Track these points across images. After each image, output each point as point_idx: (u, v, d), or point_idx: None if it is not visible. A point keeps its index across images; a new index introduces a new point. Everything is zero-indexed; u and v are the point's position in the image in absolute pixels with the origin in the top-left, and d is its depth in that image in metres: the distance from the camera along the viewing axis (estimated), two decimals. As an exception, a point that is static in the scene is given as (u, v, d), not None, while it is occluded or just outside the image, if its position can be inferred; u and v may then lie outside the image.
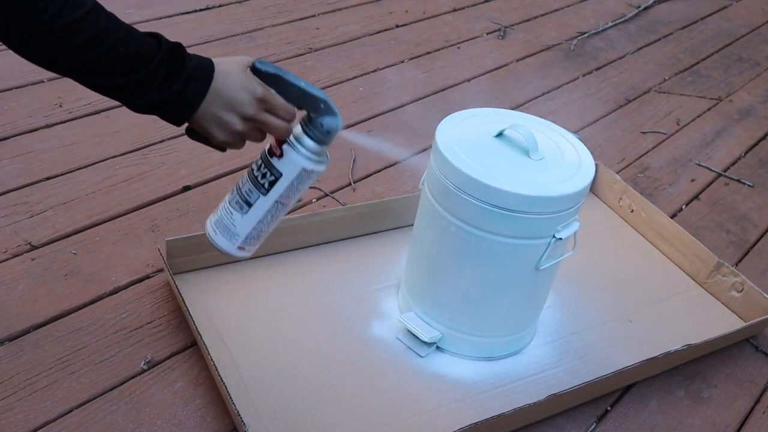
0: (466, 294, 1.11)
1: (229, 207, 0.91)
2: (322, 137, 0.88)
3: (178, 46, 0.82)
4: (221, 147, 0.89)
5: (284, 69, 0.88)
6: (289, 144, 0.88)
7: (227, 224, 0.91)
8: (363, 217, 1.36)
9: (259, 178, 0.89)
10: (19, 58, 0.76)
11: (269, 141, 0.90)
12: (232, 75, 0.84)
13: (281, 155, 0.88)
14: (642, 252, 1.47)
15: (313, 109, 0.88)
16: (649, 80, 2.17)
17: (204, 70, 0.83)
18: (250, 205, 0.90)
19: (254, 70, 0.86)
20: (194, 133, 0.89)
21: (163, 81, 0.80)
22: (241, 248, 0.92)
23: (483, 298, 1.11)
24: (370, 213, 1.36)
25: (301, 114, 0.90)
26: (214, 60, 0.85)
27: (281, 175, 0.88)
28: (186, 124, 0.87)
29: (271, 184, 0.89)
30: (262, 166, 0.89)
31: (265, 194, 0.89)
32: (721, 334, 1.23)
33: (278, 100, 0.86)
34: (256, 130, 0.87)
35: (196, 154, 1.52)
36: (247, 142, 0.90)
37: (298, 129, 0.89)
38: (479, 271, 1.08)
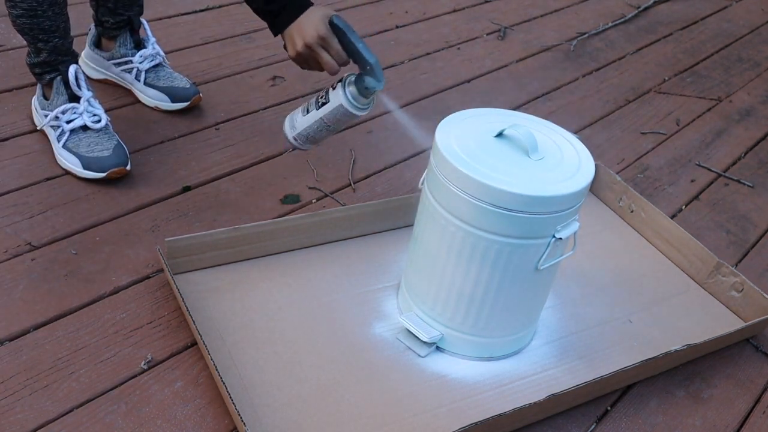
0: (466, 294, 1.11)
1: (300, 108, 1.28)
2: (362, 90, 1.19)
3: None
4: (294, 60, 1.23)
5: (354, 30, 1.18)
6: (341, 83, 1.20)
7: (294, 118, 1.28)
8: (363, 217, 1.36)
9: (319, 98, 1.24)
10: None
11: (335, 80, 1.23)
12: (312, 16, 1.18)
13: (334, 89, 1.22)
14: (642, 252, 1.47)
15: (361, 66, 1.18)
16: (649, 81, 2.17)
17: (297, 8, 1.19)
18: (308, 112, 1.25)
19: (331, 22, 1.18)
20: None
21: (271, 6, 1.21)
22: (294, 138, 1.29)
23: (483, 298, 1.11)
24: (370, 213, 1.36)
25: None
26: (313, 4, 1.20)
27: (328, 101, 1.22)
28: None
29: (322, 104, 1.23)
30: (323, 91, 1.24)
31: (316, 109, 1.24)
32: (721, 334, 1.23)
33: (334, 44, 1.17)
34: (312, 58, 1.20)
35: (195, 155, 1.52)
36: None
37: (353, 77, 1.20)
38: (479, 271, 1.08)
